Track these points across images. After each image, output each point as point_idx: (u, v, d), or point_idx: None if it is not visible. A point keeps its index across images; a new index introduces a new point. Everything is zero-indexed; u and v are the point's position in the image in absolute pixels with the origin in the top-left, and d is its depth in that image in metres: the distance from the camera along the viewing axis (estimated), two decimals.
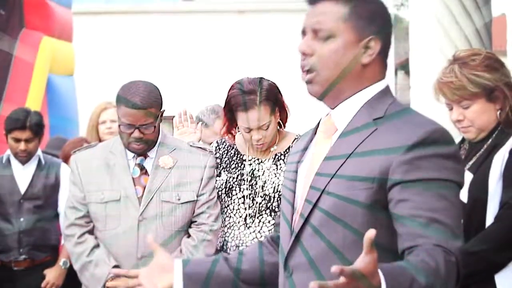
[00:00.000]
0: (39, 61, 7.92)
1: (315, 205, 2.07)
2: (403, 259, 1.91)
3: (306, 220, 2.08)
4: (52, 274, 5.08)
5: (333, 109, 2.18)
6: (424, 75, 5.81)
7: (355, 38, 2.11)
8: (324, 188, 2.06)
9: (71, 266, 5.07)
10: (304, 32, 2.17)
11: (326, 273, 2.00)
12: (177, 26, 15.84)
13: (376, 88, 2.16)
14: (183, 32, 15.83)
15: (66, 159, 5.48)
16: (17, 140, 5.07)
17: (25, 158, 5.13)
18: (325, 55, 2.11)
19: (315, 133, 2.26)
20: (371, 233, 1.63)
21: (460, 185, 2.01)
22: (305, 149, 2.26)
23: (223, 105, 3.86)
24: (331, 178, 2.06)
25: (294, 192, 2.20)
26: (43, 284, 5.05)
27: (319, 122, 2.26)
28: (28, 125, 5.07)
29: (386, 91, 2.17)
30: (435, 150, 1.97)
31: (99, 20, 15.14)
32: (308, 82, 2.15)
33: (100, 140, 5.48)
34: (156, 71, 12.58)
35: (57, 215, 5.19)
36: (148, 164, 3.73)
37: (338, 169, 2.06)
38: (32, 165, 5.18)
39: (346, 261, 1.99)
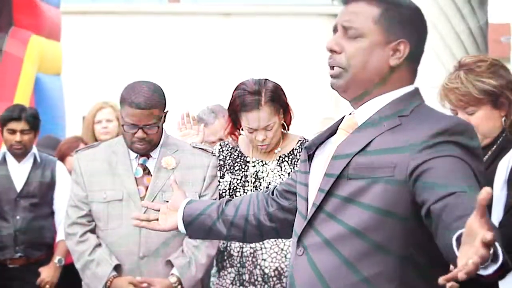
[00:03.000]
0: (27, 60, 7.90)
1: (329, 192, 2.10)
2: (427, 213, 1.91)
3: (319, 207, 2.11)
4: (46, 272, 5.05)
5: (356, 108, 2.21)
6: (419, 79, 5.83)
7: (384, 39, 2.13)
8: (340, 174, 2.09)
9: (69, 265, 5.11)
10: (335, 30, 2.20)
11: (341, 253, 2.06)
12: (163, 27, 15.84)
13: (403, 90, 2.18)
14: (169, 33, 15.84)
15: (62, 158, 5.47)
16: (13, 132, 5.07)
17: (20, 151, 5.10)
18: (353, 53, 2.13)
19: (335, 132, 2.28)
20: (486, 193, 1.57)
21: (478, 179, 1.97)
22: (322, 143, 2.29)
23: (226, 105, 3.87)
24: (348, 162, 2.08)
25: (307, 185, 2.23)
26: (38, 282, 5.02)
27: (340, 120, 2.28)
28: (24, 116, 5.09)
29: (415, 93, 2.19)
30: (457, 139, 1.99)
31: (86, 20, 15.11)
32: (334, 76, 2.17)
33: (96, 140, 5.47)
34: (141, 71, 12.56)
35: (52, 213, 5.18)
36: (150, 164, 3.74)
37: (355, 155, 2.08)
38: (27, 163, 5.16)
39: (364, 242, 2.03)
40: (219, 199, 3.77)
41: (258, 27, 16.03)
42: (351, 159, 2.09)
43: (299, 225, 2.20)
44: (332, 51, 2.17)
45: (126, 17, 15.40)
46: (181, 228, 2.56)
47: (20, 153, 5.12)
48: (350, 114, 2.23)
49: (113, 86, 14.16)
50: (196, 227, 2.54)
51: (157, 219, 2.61)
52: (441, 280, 1.59)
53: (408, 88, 2.18)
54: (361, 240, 2.04)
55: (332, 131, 2.29)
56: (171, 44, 15.59)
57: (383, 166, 2.03)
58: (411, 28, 2.16)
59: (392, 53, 2.14)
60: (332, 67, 2.18)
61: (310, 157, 2.29)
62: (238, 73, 14.28)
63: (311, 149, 2.30)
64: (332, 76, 2.18)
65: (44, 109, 7.98)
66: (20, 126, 5.07)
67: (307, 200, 2.21)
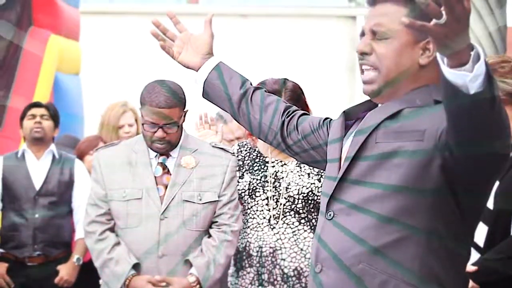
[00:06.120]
0: (46, 59, 7.92)
1: (356, 157, 2.11)
2: None
3: (348, 169, 2.12)
4: (65, 270, 5.08)
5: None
6: None
7: (413, 39, 2.13)
8: (367, 137, 2.10)
9: (86, 264, 5.13)
10: (362, 34, 2.20)
11: (367, 217, 2.06)
12: None
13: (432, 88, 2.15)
14: None
15: (81, 156, 5.50)
16: (33, 117, 5.17)
17: (39, 135, 5.14)
18: (384, 54, 2.13)
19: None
20: None
21: None
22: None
23: None
24: (377, 126, 2.10)
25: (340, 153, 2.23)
26: (56, 280, 5.05)
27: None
28: (45, 104, 5.30)
29: None
30: None
31: (105, 20, 15.15)
32: (366, 82, 2.18)
33: None
34: (158, 72, 12.60)
35: (71, 212, 5.20)
36: (170, 163, 3.74)
37: (384, 120, 2.10)
38: (46, 160, 5.18)
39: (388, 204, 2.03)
40: (238, 199, 3.77)
41: (276, 29, 16.03)
42: (380, 123, 2.10)
43: (329, 186, 2.19)
44: (362, 53, 2.17)
45: (144, 18, 15.38)
46: (202, 75, 2.53)
47: (39, 138, 5.14)
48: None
49: (131, 86, 14.21)
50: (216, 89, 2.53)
51: (173, 40, 2.54)
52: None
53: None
54: (387, 204, 2.04)
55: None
56: None
57: (412, 131, 2.04)
58: None
59: (422, 52, 2.14)
60: (363, 71, 2.18)
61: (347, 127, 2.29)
62: (255, 73, 14.30)
63: (350, 118, 2.29)
64: (364, 82, 2.18)
65: (63, 108, 7.97)
66: (40, 111, 5.20)
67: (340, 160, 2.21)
